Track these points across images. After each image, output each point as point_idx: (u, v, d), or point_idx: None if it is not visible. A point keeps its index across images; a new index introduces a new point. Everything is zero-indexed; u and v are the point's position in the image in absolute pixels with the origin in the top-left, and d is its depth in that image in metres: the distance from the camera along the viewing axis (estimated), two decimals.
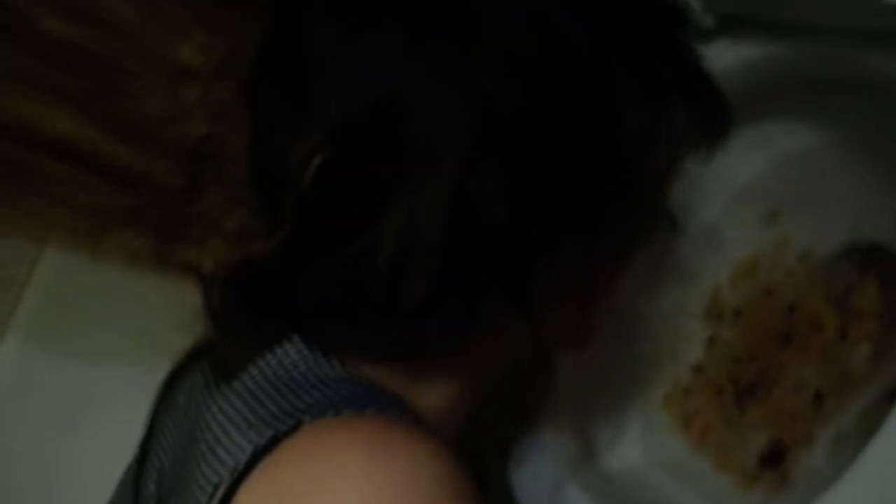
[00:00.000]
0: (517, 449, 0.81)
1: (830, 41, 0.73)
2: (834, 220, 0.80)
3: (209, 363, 0.65)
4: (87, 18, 0.73)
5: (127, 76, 0.76)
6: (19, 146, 0.73)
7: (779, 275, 0.84)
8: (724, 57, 0.76)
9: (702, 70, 0.65)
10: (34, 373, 0.95)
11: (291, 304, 0.61)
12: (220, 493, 0.54)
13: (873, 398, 0.72)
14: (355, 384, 0.59)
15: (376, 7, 0.57)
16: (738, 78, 0.76)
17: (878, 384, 0.72)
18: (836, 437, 0.73)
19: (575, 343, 0.71)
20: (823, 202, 0.81)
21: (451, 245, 0.55)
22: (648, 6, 0.63)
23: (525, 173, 0.56)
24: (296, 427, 0.54)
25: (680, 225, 0.72)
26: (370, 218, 0.56)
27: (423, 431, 0.56)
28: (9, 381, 0.95)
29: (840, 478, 0.62)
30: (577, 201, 0.59)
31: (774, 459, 0.77)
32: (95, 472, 0.79)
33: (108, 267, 0.84)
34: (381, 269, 0.55)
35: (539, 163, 0.56)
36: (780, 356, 0.80)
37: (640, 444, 0.84)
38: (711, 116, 0.66)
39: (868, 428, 0.69)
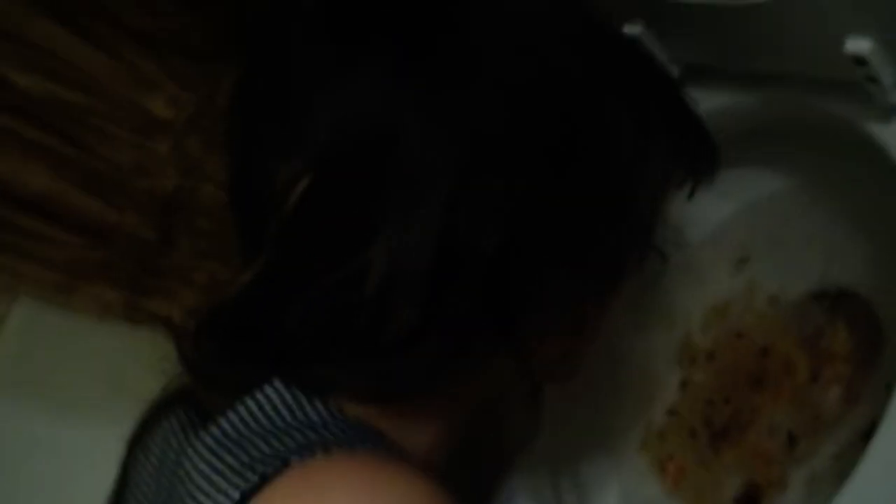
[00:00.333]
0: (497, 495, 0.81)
1: (792, 89, 0.75)
2: (802, 264, 0.81)
3: (184, 410, 0.64)
4: (56, 73, 0.73)
5: (97, 130, 0.76)
6: None
7: (750, 318, 0.84)
8: None
9: (689, 107, 0.66)
10: (6, 425, 0.94)
11: (271, 347, 0.59)
12: None
13: (846, 440, 0.72)
14: (340, 425, 0.58)
15: (364, 35, 0.57)
16: None
17: (850, 426, 0.73)
18: (810, 479, 0.74)
19: (562, 376, 0.71)
20: (791, 247, 0.82)
21: (440, 273, 0.55)
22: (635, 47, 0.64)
23: (514, 202, 0.56)
24: (283, 467, 0.53)
25: (667, 258, 0.72)
26: (356, 244, 0.55)
27: (411, 469, 0.55)
28: None
29: None
30: (566, 231, 0.59)
31: (749, 502, 0.77)
32: None
33: (79, 319, 0.84)
34: (368, 297, 0.55)
35: (528, 192, 0.56)
36: (753, 399, 0.81)
37: (616, 489, 0.84)
38: (698, 152, 0.67)
39: (841, 470, 0.69)
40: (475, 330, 0.58)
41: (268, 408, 0.58)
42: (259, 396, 0.59)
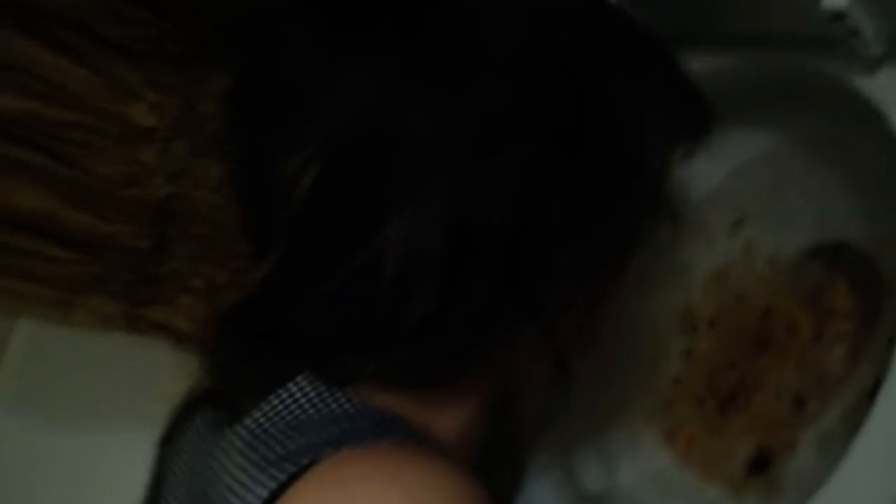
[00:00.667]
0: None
1: (776, 49, 0.74)
2: (798, 222, 0.81)
3: (212, 409, 0.63)
4: (35, 91, 0.73)
5: (82, 144, 0.76)
6: None
7: (749, 280, 0.84)
8: None
9: (683, 71, 0.67)
10: (13, 443, 0.95)
11: (293, 341, 0.59)
12: None
13: (853, 398, 0.72)
14: (368, 416, 0.58)
15: (358, 24, 0.57)
16: None
17: (856, 383, 0.73)
18: (821, 439, 0.74)
19: (582, 345, 0.70)
20: (786, 205, 0.82)
21: (456, 254, 0.55)
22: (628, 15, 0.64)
23: (524, 178, 0.56)
24: (314, 461, 0.53)
25: (680, 220, 0.72)
26: (368, 232, 0.55)
27: (442, 459, 0.55)
28: None
29: (828, 479, 0.62)
30: (578, 203, 0.59)
31: (761, 466, 0.77)
32: None
33: (82, 331, 0.84)
34: (386, 284, 0.55)
35: (537, 167, 0.56)
36: (757, 362, 0.81)
37: (626, 462, 0.84)
38: (695, 114, 0.67)
39: (851, 427, 0.69)
40: (496, 308, 0.58)
41: (295, 403, 0.58)
42: (286, 392, 0.59)
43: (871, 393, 0.72)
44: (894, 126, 0.67)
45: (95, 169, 0.77)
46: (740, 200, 0.85)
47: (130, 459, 0.71)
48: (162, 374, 0.68)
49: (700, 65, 0.78)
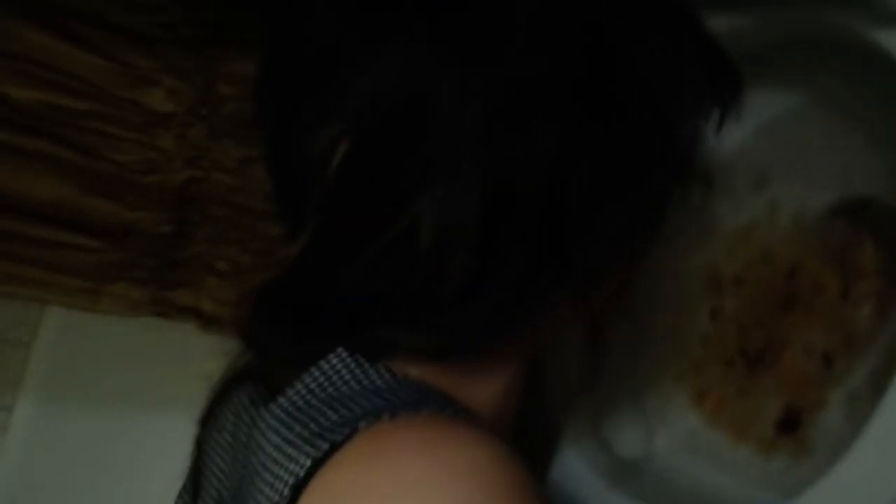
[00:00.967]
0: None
1: (796, 5, 0.73)
2: (822, 179, 0.80)
3: (253, 385, 0.64)
4: (51, 82, 0.73)
5: (100, 133, 0.76)
6: (4, 217, 0.73)
7: (775, 239, 0.84)
8: None
9: (711, 35, 0.66)
10: (51, 428, 0.96)
11: (330, 315, 0.60)
12: None
13: (881, 355, 0.72)
14: (406, 388, 0.58)
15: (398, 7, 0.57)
16: None
17: (884, 341, 0.72)
18: (849, 397, 0.74)
19: (617, 310, 0.70)
20: (809, 163, 0.81)
21: (491, 221, 0.55)
22: None
23: (556, 142, 0.56)
24: (351, 433, 0.53)
25: (712, 184, 0.72)
26: (402, 202, 0.55)
27: (479, 429, 0.55)
28: (28, 438, 0.95)
29: (858, 437, 0.62)
30: (611, 166, 0.59)
31: (790, 425, 0.77)
32: None
33: (109, 317, 0.85)
34: (422, 253, 0.55)
35: (569, 131, 0.56)
36: (785, 321, 0.80)
37: (657, 426, 0.84)
38: (725, 79, 0.66)
39: (879, 385, 0.69)
40: (532, 275, 0.58)
41: (333, 376, 0.59)
42: (324, 366, 0.59)
43: None
44: None
45: (115, 157, 0.77)
46: (764, 159, 0.84)
47: (163, 442, 0.72)
48: (193, 355, 0.69)
49: (721, 23, 0.77)
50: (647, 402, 0.85)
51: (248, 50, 0.76)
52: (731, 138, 0.85)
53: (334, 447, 0.53)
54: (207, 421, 0.68)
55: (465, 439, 0.53)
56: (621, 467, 0.81)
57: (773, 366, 0.80)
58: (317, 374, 0.59)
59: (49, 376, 0.94)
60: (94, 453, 0.96)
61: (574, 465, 0.80)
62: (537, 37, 0.56)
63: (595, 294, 0.63)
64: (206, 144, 0.80)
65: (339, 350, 0.59)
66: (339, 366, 0.59)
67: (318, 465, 0.53)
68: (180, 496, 0.69)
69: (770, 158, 0.84)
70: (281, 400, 0.59)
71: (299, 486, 0.52)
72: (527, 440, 0.78)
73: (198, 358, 0.68)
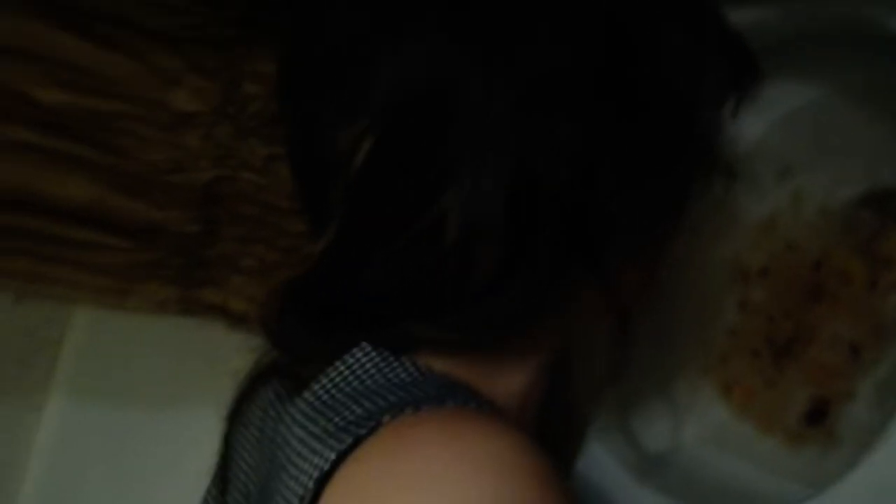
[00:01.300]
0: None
1: None
2: (847, 169, 0.80)
3: (279, 380, 0.64)
4: (77, 83, 0.74)
5: (127, 133, 0.77)
6: (33, 217, 0.74)
7: (800, 229, 0.83)
8: None
9: (728, 22, 0.66)
10: (82, 427, 0.97)
11: (356, 311, 0.60)
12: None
13: None
14: (430, 382, 0.58)
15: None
16: None
17: None
18: (877, 388, 0.73)
19: (644, 300, 0.70)
20: (834, 154, 0.81)
21: (517, 213, 0.55)
22: None
23: (581, 133, 0.56)
24: (376, 427, 0.53)
25: (734, 172, 0.72)
26: (428, 197, 0.55)
27: (504, 422, 0.55)
28: (57, 436, 0.96)
29: (886, 428, 0.62)
30: (635, 155, 0.59)
31: (818, 417, 0.77)
32: None
33: (138, 316, 0.85)
34: (449, 248, 0.55)
35: (593, 121, 0.56)
36: (811, 312, 0.80)
37: (684, 419, 0.84)
38: (743, 63, 0.67)
39: None
40: (559, 266, 0.58)
41: (358, 370, 0.59)
42: (348, 360, 0.59)
43: None
44: None
45: (141, 157, 0.77)
46: (787, 150, 0.84)
47: (191, 439, 0.73)
48: (220, 353, 0.70)
49: (745, 15, 0.78)
50: (675, 395, 0.85)
51: (274, 49, 0.76)
52: (754, 129, 0.85)
53: (359, 440, 0.53)
54: (235, 417, 0.68)
55: (490, 431, 0.53)
56: (648, 460, 0.81)
57: (801, 357, 0.80)
58: (341, 368, 0.59)
59: (78, 375, 0.95)
60: (124, 451, 0.97)
61: (601, 459, 0.80)
62: (560, 27, 0.56)
63: (619, 284, 0.63)
64: (232, 143, 0.80)
65: (364, 344, 0.59)
66: (364, 360, 0.59)
67: (342, 458, 0.53)
68: (209, 491, 0.69)
69: (794, 149, 0.84)
70: (306, 395, 0.59)
71: (324, 480, 0.53)
72: (551, 433, 0.78)
73: (225, 355, 0.69)
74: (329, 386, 0.59)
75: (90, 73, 0.74)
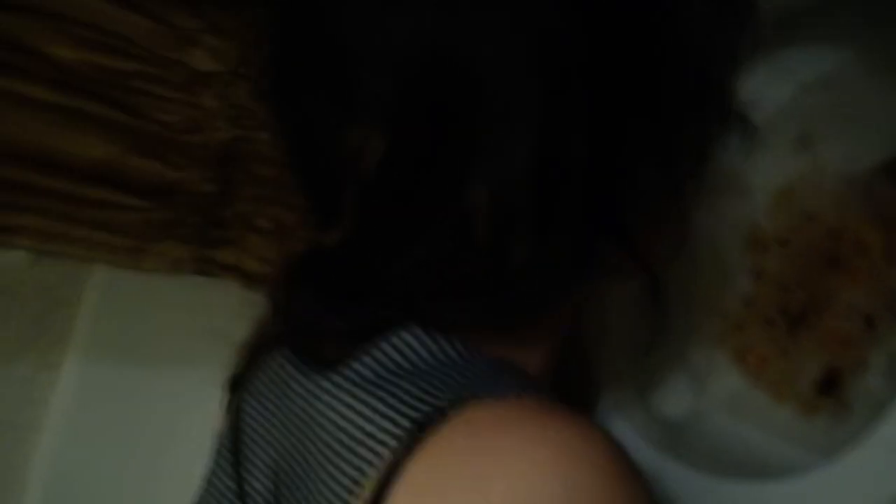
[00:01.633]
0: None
1: None
2: (866, 139, 0.79)
3: (291, 352, 0.63)
4: (94, 42, 0.74)
5: (144, 92, 0.77)
6: (49, 176, 0.74)
7: (818, 198, 0.83)
8: None
9: None
10: (99, 386, 0.97)
11: (382, 293, 0.59)
12: (366, 492, 0.52)
13: None
14: (480, 362, 0.58)
15: None
16: None
17: None
18: (890, 359, 0.73)
19: (669, 255, 0.70)
20: (853, 122, 0.80)
21: (544, 197, 0.54)
22: None
23: (598, 107, 0.55)
24: (437, 417, 0.52)
25: (754, 128, 0.71)
26: (453, 191, 0.54)
27: (570, 411, 0.54)
28: (74, 395, 0.97)
29: None
30: (653, 122, 0.58)
31: (831, 386, 0.76)
32: (175, 474, 0.81)
33: (154, 275, 0.86)
34: (480, 234, 0.54)
35: (610, 93, 0.55)
36: (828, 281, 0.80)
37: (699, 386, 0.84)
38: (746, 15, 0.64)
39: None
40: (589, 241, 0.57)
41: (405, 349, 0.58)
42: (394, 338, 0.58)
43: None
44: None
45: (159, 116, 0.77)
46: (807, 118, 0.83)
47: (208, 399, 0.73)
48: (237, 313, 0.70)
49: None
50: (691, 363, 0.85)
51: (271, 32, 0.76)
52: (775, 96, 0.84)
53: (422, 428, 0.52)
54: (240, 386, 0.68)
55: (568, 424, 0.52)
56: (665, 428, 0.81)
57: (815, 326, 0.79)
58: (385, 346, 0.58)
59: (95, 334, 0.96)
60: (140, 409, 0.98)
61: (618, 426, 0.80)
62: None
63: (646, 248, 0.62)
64: (249, 103, 0.80)
65: (411, 323, 0.58)
66: (409, 338, 0.58)
67: (408, 447, 0.52)
68: (217, 463, 0.68)
69: (813, 117, 0.83)
70: (347, 372, 0.58)
71: (387, 466, 0.52)
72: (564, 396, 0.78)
73: (242, 315, 0.69)
74: (373, 364, 0.58)
75: (106, 31, 0.74)
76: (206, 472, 0.69)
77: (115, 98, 0.76)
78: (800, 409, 0.78)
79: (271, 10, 0.62)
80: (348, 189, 0.57)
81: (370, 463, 0.52)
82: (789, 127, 0.84)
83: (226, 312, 0.69)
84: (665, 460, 0.78)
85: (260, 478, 0.62)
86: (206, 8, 0.77)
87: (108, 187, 0.77)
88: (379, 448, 0.52)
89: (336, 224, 0.59)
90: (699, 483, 0.74)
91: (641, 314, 0.82)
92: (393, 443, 0.52)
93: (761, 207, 0.86)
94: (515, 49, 0.53)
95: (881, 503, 0.62)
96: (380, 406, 0.54)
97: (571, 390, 0.80)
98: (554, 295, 0.60)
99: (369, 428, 0.54)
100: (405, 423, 0.52)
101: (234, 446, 0.66)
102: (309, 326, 0.61)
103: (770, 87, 0.83)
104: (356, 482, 0.52)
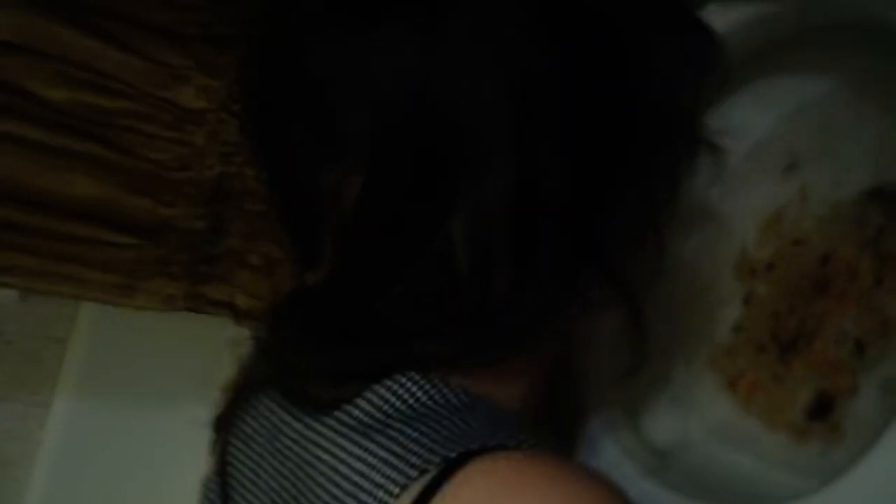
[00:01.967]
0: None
1: None
2: (853, 163, 0.80)
3: (279, 394, 0.63)
4: (83, 81, 0.74)
5: (133, 130, 0.77)
6: (40, 214, 0.74)
7: (806, 225, 0.83)
8: (717, 21, 0.75)
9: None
10: (90, 422, 0.97)
11: (367, 332, 0.58)
12: None
13: None
14: (485, 410, 0.58)
15: (375, 13, 0.55)
16: (735, 39, 0.75)
17: None
18: (882, 384, 0.73)
19: (648, 281, 0.70)
20: (840, 148, 0.81)
21: (523, 228, 0.54)
22: None
23: (574, 134, 0.55)
24: (450, 467, 0.52)
25: (722, 150, 0.72)
26: (432, 225, 0.54)
27: (576, 464, 0.57)
28: (64, 433, 0.96)
29: (890, 424, 0.62)
30: (626, 149, 0.59)
31: (822, 411, 0.77)
32: None
33: (144, 312, 0.85)
34: (462, 268, 0.54)
35: (584, 121, 0.56)
36: (818, 307, 0.80)
37: (690, 414, 0.85)
38: (704, 44, 0.66)
39: None
40: (568, 271, 0.58)
41: (403, 393, 0.57)
42: (390, 384, 0.58)
43: None
44: None
45: (148, 154, 0.78)
46: (793, 145, 0.84)
47: (199, 436, 0.73)
48: (227, 350, 0.69)
49: (749, 10, 0.78)
50: (682, 390, 0.85)
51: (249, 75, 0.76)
52: (760, 124, 0.85)
53: (427, 476, 0.52)
54: (227, 429, 0.67)
55: (577, 478, 0.53)
56: (656, 455, 0.81)
57: (806, 352, 0.80)
58: (381, 389, 0.57)
59: (85, 372, 0.96)
60: (131, 447, 0.98)
61: (610, 453, 0.80)
62: (538, 33, 0.55)
63: (624, 274, 0.62)
64: (238, 140, 0.80)
65: (404, 368, 0.58)
66: (406, 381, 0.58)
67: (408, 493, 0.52)
68: (206, 496, 0.68)
69: (800, 143, 0.84)
70: (342, 416, 0.57)
71: None
72: (553, 425, 0.78)
73: (233, 352, 0.69)
74: (369, 407, 0.57)
75: (97, 70, 0.74)
76: None
77: (105, 136, 0.76)
78: (791, 435, 0.78)
79: (251, 46, 0.63)
80: (329, 227, 0.57)
81: None
82: (775, 154, 0.85)
83: (217, 349, 0.68)
84: (655, 486, 0.78)
85: None
86: (194, 46, 0.77)
87: (99, 225, 0.77)
88: (385, 497, 0.52)
89: (320, 263, 0.59)
90: None
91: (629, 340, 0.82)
92: (399, 492, 0.52)
93: (750, 234, 0.86)
94: (491, 87, 0.54)
95: None
96: (382, 453, 0.54)
97: (561, 412, 0.80)
98: (537, 326, 0.60)
99: (373, 476, 0.53)
100: (412, 472, 0.52)
101: (222, 491, 0.66)
102: (295, 367, 0.61)
103: (755, 115, 0.84)
104: None
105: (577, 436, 0.81)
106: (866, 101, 0.79)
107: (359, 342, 0.59)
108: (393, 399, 0.57)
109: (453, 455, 0.52)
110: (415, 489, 0.51)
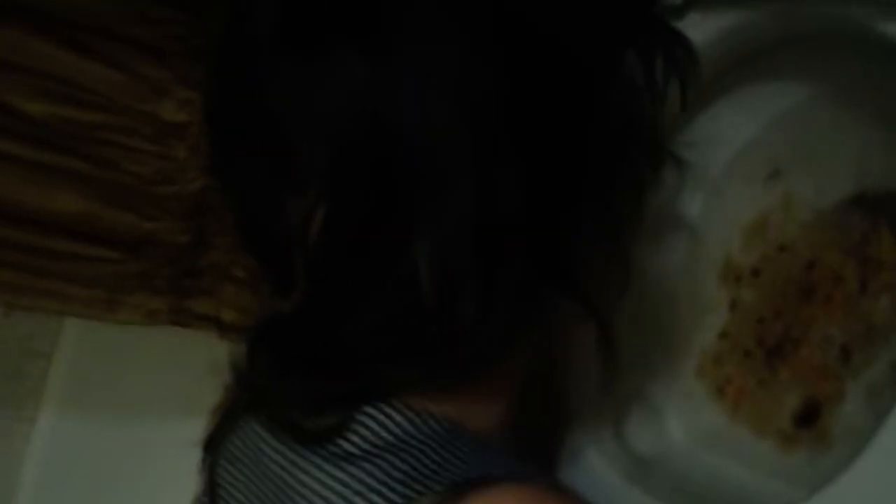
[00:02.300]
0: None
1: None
2: (836, 171, 0.80)
3: (265, 419, 0.63)
4: (64, 96, 0.74)
5: (115, 145, 0.77)
6: (21, 230, 0.74)
7: (791, 230, 0.83)
8: (697, 30, 0.75)
9: (656, 12, 0.65)
10: (72, 438, 0.97)
11: (339, 358, 0.59)
12: None
13: None
14: (467, 441, 0.58)
15: (327, 46, 0.55)
16: (716, 48, 0.76)
17: None
18: (868, 390, 0.73)
19: (619, 292, 0.70)
20: (822, 154, 0.81)
21: (486, 250, 0.55)
22: None
23: (531, 155, 0.55)
24: (435, 491, 0.52)
25: (684, 162, 0.72)
26: (395, 252, 0.54)
27: (566, 492, 0.56)
28: (49, 448, 0.96)
29: (878, 429, 0.62)
30: (586, 168, 0.59)
31: (809, 418, 0.77)
32: None
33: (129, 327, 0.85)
34: (427, 292, 0.54)
35: (541, 142, 0.56)
36: (803, 313, 0.80)
37: (677, 421, 0.84)
38: (678, 51, 0.66)
39: None
40: (533, 289, 0.58)
41: (386, 422, 0.58)
42: (373, 411, 0.58)
43: None
44: None
45: (130, 168, 0.78)
46: (776, 152, 0.84)
47: (183, 451, 0.72)
48: (212, 364, 0.69)
49: (731, 16, 0.78)
50: (667, 397, 0.85)
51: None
52: (742, 131, 0.85)
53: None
54: (215, 452, 0.67)
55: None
56: (641, 464, 0.81)
57: (792, 358, 0.80)
58: (364, 418, 0.58)
59: (69, 387, 0.95)
60: (115, 463, 0.97)
61: (594, 463, 0.80)
62: (489, 57, 0.55)
63: (589, 288, 0.62)
64: None
65: (385, 396, 0.59)
66: (389, 410, 0.58)
67: None
68: None
69: (783, 151, 0.84)
70: (327, 444, 0.58)
71: None
72: (538, 438, 0.78)
73: (217, 366, 0.69)
74: (353, 437, 0.58)
75: (77, 84, 0.74)
76: None
77: (86, 151, 0.76)
78: (779, 442, 0.78)
79: (207, 77, 0.63)
80: (296, 255, 0.58)
81: None
82: (758, 161, 0.85)
83: (201, 364, 0.68)
84: (638, 494, 0.78)
85: None
86: (175, 60, 0.77)
87: (81, 240, 0.77)
88: None
89: (293, 290, 0.59)
90: None
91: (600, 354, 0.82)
92: None
93: (734, 240, 0.87)
94: (443, 109, 0.54)
95: None
96: (370, 482, 0.54)
97: (543, 422, 0.80)
98: (504, 344, 0.60)
99: (358, 503, 0.54)
100: (399, 500, 0.52)
101: None
102: (271, 395, 0.62)
103: (737, 123, 0.84)
104: None
105: (557, 446, 0.81)
106: (847, 108, 0.79)
107: (329, 369, 0.59)
108: (377, 428, 0.57)
109: (440, 489, 0.53)
110: None
